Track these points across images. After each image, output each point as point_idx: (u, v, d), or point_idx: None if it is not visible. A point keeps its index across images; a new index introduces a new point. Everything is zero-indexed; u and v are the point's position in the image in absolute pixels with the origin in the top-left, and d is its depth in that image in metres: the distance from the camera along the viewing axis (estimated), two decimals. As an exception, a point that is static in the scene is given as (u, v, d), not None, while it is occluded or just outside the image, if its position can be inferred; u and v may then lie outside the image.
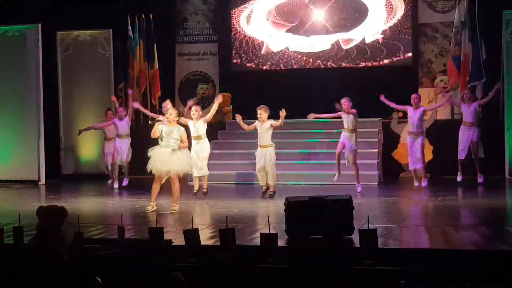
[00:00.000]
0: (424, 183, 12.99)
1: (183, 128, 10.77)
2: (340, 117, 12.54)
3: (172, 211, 10.59)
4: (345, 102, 12.40)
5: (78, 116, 15.79)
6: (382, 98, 12.99)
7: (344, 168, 12.70)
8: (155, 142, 10.81)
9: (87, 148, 15.84)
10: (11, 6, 15.40)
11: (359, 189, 12.39)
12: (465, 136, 13.33)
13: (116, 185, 13.81)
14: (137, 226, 9.31)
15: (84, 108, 15.82)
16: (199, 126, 11.93)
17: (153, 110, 15.00)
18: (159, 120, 10.90)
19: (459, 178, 13.29)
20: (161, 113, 12.50)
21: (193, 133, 11.94)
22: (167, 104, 11.68)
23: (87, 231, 8.44)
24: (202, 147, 11.97)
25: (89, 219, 9.68)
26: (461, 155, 13.36)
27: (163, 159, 10.47)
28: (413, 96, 13.02)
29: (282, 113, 11.67)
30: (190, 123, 11.92)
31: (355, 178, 12.54)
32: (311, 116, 12.72)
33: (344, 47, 15.66)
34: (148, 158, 10.69)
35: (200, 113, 12.00)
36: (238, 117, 12.30)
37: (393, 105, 13.16)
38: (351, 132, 12.47)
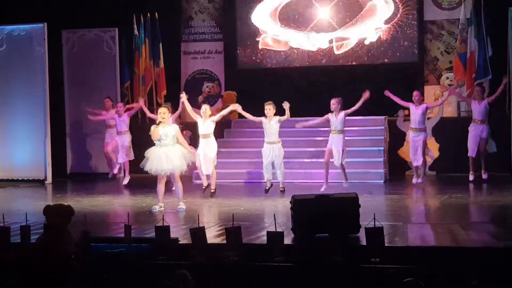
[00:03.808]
0: (421, 180, 12.96)
1: (177, 126, 10.92)
2: (329, 120, 12.39)
3: (179, 210, 10.62)
4: (333, 104, 12.27)
5: (84, 114, 15.77)
6: (387, 92, 13.00)
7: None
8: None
9: (93, 147, 15.85)
10: (16, 5, 15.42)
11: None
12: (475, 134, 13.31)
13: (112, 172, 14.37)
14: (143, 224, 9.32)
15: (90, 107, 15.80)
16: (208, 124, 12.00)
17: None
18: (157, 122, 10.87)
19: (471, 178, 13.26)
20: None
21: (201, 131, 12.02)
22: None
23: (93, 230, 8.44)
24: (210, 146, 12.00)
25: (95, 218, 9.71)
26: (472, 153, 13.34)
27: (161, 159, 10.53)
28: (415, 93, 13.07)
29: (286, 105, 11.75)
30: (200, 121, 11.99)
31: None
32: (299, 125, 12.65)
33: (349, 45, 15.64)
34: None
35: (210, 112, 12.06)
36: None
37: (397, 99, 13.14)
38: (338, 134, 12.38)
